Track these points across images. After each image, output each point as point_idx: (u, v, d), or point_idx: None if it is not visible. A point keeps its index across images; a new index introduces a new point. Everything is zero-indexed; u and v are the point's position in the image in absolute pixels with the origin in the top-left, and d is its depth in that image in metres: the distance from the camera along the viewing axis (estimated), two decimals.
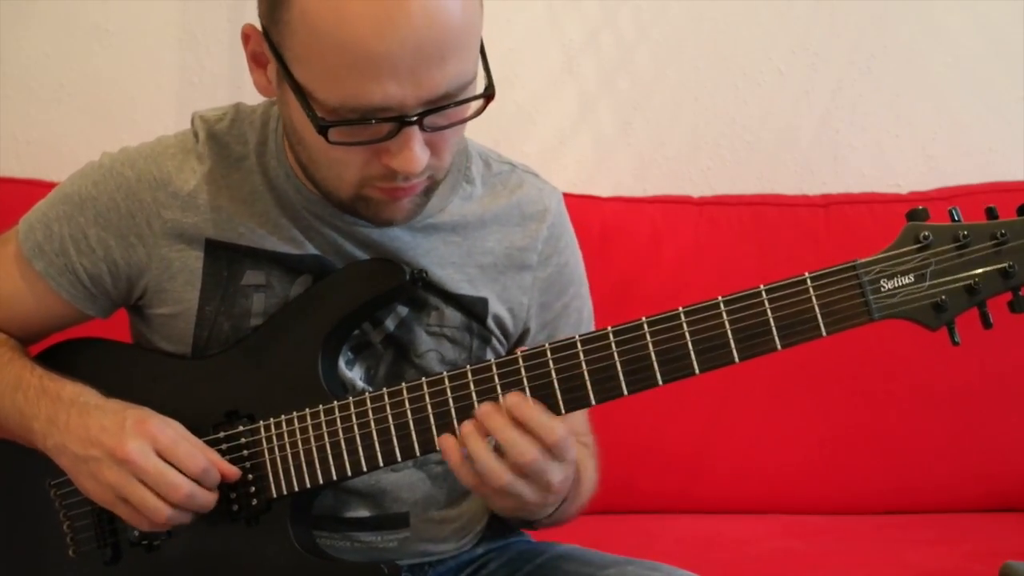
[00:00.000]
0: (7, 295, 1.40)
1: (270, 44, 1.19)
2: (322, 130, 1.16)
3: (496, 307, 1.40)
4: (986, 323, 1.14)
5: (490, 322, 1.40)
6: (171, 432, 1.27)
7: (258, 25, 1.21)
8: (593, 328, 1.46)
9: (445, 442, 1.20)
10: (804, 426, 2.03)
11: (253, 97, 1.45)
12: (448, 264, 1.37)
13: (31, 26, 2.15)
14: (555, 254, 1.43)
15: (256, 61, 1.25)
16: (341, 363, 1.35)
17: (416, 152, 1.17)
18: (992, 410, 2.02)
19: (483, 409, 1.19)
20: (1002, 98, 2.23)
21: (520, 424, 1.18)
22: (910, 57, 2.23)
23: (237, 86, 2.17)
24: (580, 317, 1.46)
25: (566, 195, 1.50)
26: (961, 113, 2.24)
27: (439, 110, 1.16)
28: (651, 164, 2.25)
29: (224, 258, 1.34)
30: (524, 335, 1.44)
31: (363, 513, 1.38)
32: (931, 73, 2.23)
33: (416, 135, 1.16)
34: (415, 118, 1.15)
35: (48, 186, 1.74)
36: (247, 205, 1.34)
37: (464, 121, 1.22)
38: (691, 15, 2.22)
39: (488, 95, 1.19)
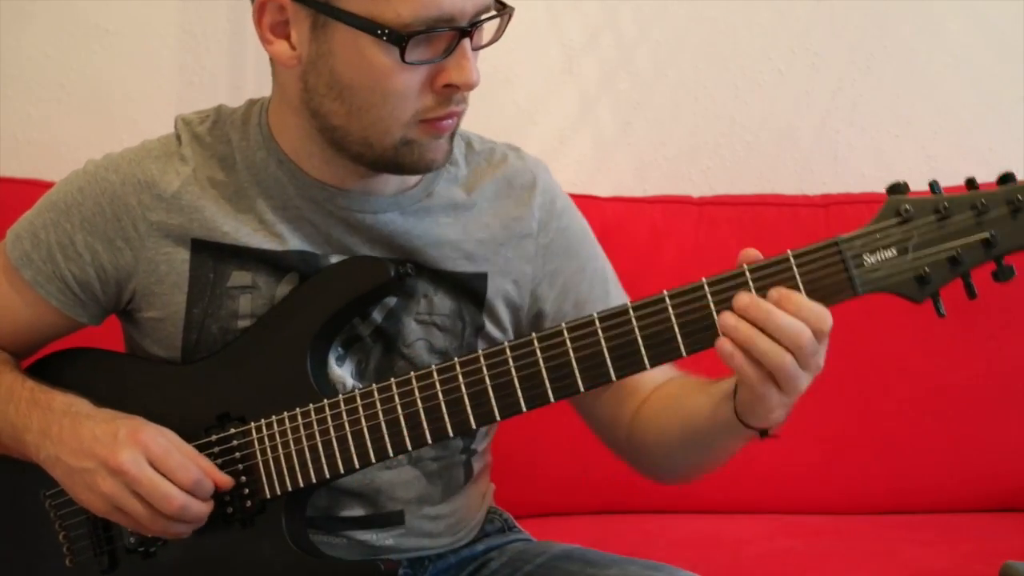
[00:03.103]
0: None
1: None
2: (403, 41, 1.19)
3: (498, 281, 1.40)
4: (970, 293, 1.14)
5: (490, 298, 1.39)
6: (164, 442, 1.27)
7: None
8: (622, 291, 1.46)
9: (723, 342, 1.14)
10: (804, 426, 2.03)
11: (253, 96, 1.45)
12: (444, 243, 1.38)
13: (31, 26, 2.15)
14: (553, 219, 1.43)
15: (274, 32, 1.27)
16: (332, 360, 1.35)
17: (473, 63, 1.24)
18: (992, 410, 2.02)
19: (744, 300, 1.13)
20: (1002, 98, 2.23)
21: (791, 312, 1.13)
22: (910, 57, 2.23)
23: (237, 86, 2.17)
24: (605, 278, 1.46)
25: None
26: (961, 113, 2.23)
27: (481, 23, 1.24)
28: (651, 164, 2.25)
29: (210, 259, 1.34)
30: (540, 316, 1.42)
31: (358, 512, 1.38)
32: (931, 73, 2.23)
33: (470, 47, 1.24)
34: (470, 29, 1.23)
35: (48, 186, 1.73)
36: (231, 203, 1.35)
37: (487, 44, 1.28)
38: (691, 15, 2.22)
39: (510, 12, 1.27)
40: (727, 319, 1.14)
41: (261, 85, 2.19)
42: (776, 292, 1.14)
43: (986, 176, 2.21)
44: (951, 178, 2.20)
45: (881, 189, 2.26)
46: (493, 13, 1.26)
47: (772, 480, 2.04)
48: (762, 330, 1.13)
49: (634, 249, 2.04)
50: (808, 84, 2.24)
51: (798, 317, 1.13)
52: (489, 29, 1.28)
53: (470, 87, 1.25)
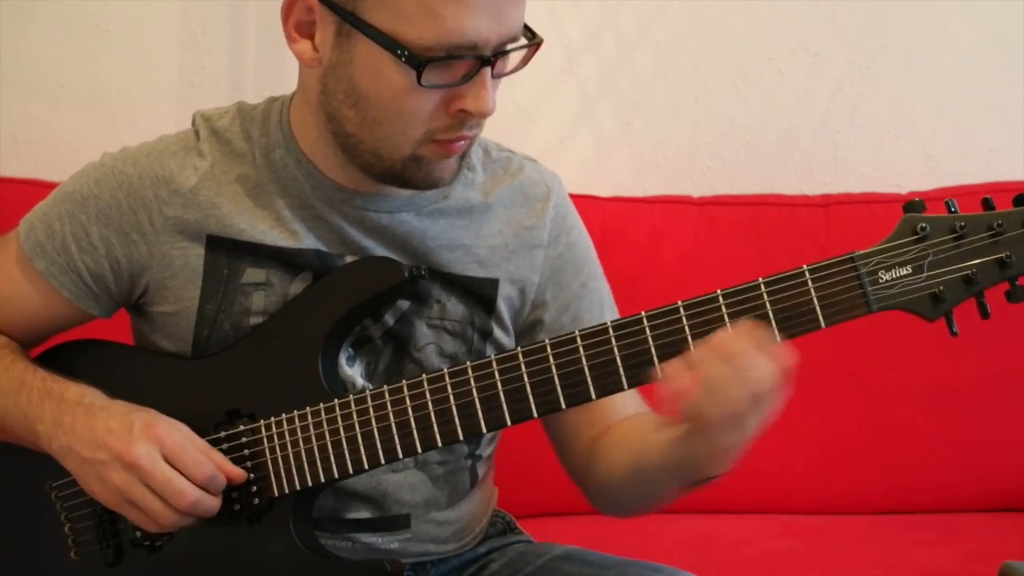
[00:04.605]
0: (9, 296, 1.40)
1: (330, 3, 1.21)
2: (420, 66, 1.18)
3: (507, 287, 1.40)
4: (984, 313, 1.15)
5: (500, 305, 1.40)
6: (178, 436, 1.27)
7: None
8: (616, 312, 1.46)
9: (672, 367, 1.15)
10: (804, 426, 2.03)
11: (253, 97, 1.45)
12: (457, 247, 1.38)
13: (31, 26, 2.15)
14: (563, 233, 1.44)
15: (299, 32, 1.27)
16: (342, 360, 1.35)
17: (491, 92, 1.22)
18: (992, 410, 2.02)
19: (720, 336, 1.14)
20: (1002, 98, 2.23)
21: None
22: (910, 57, 2.23)
23: (237, 86, 2.17)
24: (602, 299, 1.46)
25: None
26: (961, 113, 2.24)
27: (506, 53, 1.22)
28: (651, 164, 2.25)
29: (225, 255, 1.34)
30: (537, 323, 1.43)
31: (364, 515, 1.38)
32: (931, 73, 2.23)
33: (490, 77, 1.21)
34: (492, 58, 1.20)
35: (48, 186, 1.74)
36: (249, 199, 1.35)
37: (510, 72, 1.26)
38: (691, 15, 2.22)
39: (538, 43, 1.26)
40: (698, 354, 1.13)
41: (261, 85, 2.20)
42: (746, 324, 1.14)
43: (985, 176, 2.22)
44: (951, 178, 2.22)
45: (881, 189, 2.29)
46: (521, 43, 1.25)
47: (772, 480, 2.04)
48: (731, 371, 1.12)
49: (634, 249, 2.04)
50: (808, 84, 2.24)
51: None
52: (515, 56, 1.26)
53: (484, 116, 1.24)
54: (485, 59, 1.21)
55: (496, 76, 1.24)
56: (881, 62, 2.23)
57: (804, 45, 2.23)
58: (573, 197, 1.51)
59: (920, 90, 2.24)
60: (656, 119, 2.25)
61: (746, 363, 1.12)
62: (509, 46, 1.23)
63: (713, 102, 2.25)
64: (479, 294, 1.39)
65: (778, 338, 1.15)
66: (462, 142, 1.27)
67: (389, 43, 1.19)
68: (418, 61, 1.19)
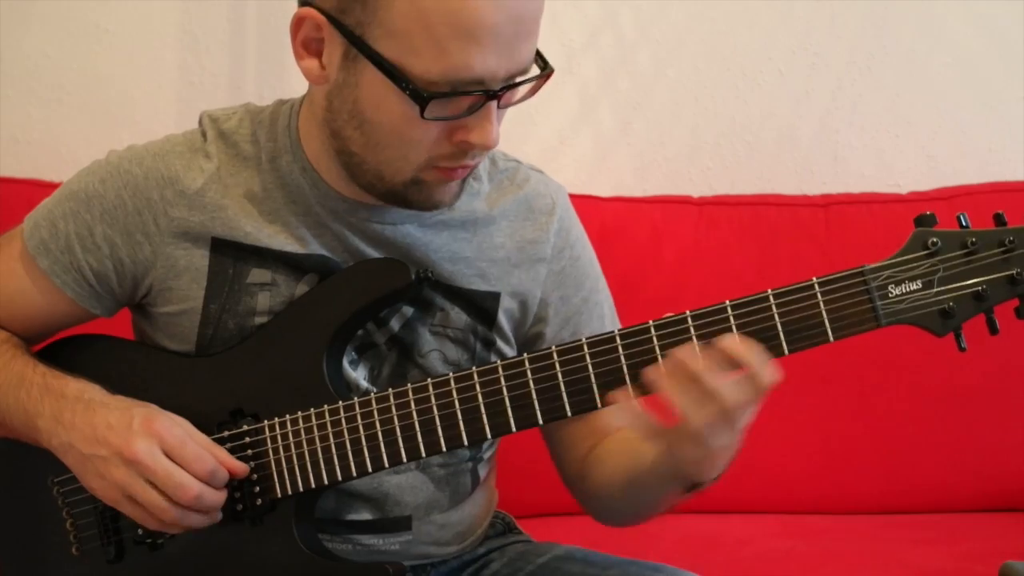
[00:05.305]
0: (11, 293, 1.40)
1: (339, 26, 1.19)
2: (424, 101, 1.17)
3: (508, 301, 1.40)
4: (993, 329, 1.14)
5: (500, 318, 1.39)
6: (178, 432, 1.26)
7: (314, 11, 1.22)
8: (617, 322, 1.46)
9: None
10: (804, 426, 2.03)
11: (252, 97, 1.45)
12: (459, 260, 1.37)
13: (31, 26, 2.15)
14: (567, 247, 1.43)
15: (307, 48, 1.25)
16: (345, 363, 1.34)
17: (496, 126, 1.20)
18: (992, 410, 2.02)
19: (682, 353, 1.13)
20: (1002, 98, 2.23)
21: (734, 365, 1.13)
22: (910, 57, 2.23)
23: (237, 86, 2.17)
24: (602, 312, 1.46)
25: None
26: (961, 113, 2.24)
27: (514, 86, 1.20)
28: (651, 164, 2.25)
29: (230, 257, 1.34)
30: (538, 337, 1.43)
31: (365, 516, 1.38)
32: (931, 73, 2.23)
33: (495, 110, 1.20)
34: (499, 92, 1.18)
35: (48, 186, 1.74)
36: (255, 203, 1.34)
37: (516, 102, 1.24)
38: (691, 15, 2.22)
39: (548, 73, 1.23)
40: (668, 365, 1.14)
41: (261, 85, 2.20)
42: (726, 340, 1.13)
43: (985, 176, 2.22)
44: (951, 178, 2.23)
45: (881, 189, 2.29)
46: (530, 75, 1.22)
47: (772, 480, 2.04)
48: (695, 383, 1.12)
49: (634, 249, 2.04)
50: (808, 84, 2.24)
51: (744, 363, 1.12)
52: (524, 86, 1.23)
53: (487, 149, 1.23)
54: (491, 93, 1.19)
55: (503, 107, 1.22)
56: (881, 62, 2.23)
57: (804, 45, 2.23)
58: (573, 197, 1.51)
59: (920, 90, 2.24)
60: (656, 119, 2.25)
61: (709, 384, 1.12)
62: (518, 79, 1.21)
63: (713, 102, 2.25)
64: (480, 306, 1.39)
65: (760, 355, 1.14)
66: (464, 169, 1.27)
67: (394, 74, 1.17)
68: (422, 96, 1.17)
